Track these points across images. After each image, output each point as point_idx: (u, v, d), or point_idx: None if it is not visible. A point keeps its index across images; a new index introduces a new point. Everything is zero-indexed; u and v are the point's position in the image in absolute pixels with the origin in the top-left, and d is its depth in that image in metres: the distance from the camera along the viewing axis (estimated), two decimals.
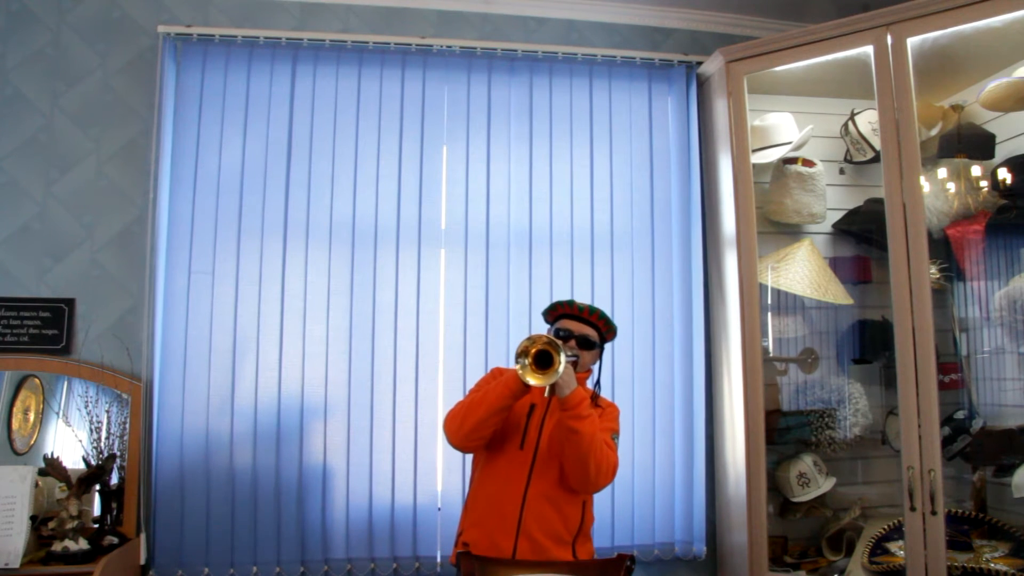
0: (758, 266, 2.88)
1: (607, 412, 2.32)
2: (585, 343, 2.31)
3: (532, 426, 2.26)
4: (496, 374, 2.36)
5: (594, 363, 2.40)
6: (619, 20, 3.31)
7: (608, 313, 2.43)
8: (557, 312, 2.38)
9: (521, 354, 2.11)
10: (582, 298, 3.03)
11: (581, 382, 2.28)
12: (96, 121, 2.93)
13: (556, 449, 2.21)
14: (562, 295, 3.02)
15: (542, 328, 2.49)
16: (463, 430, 2.19)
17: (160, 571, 2.70)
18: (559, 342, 2.12)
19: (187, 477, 2.74)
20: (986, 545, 2.61)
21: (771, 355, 3.04)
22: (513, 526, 2.18)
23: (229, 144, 2.91)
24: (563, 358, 2.09)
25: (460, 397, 2.76)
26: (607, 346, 2.97)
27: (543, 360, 2.10)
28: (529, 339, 2.13)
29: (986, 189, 2.80)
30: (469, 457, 2.64)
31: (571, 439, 2.13)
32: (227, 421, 2.80)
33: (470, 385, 2.87)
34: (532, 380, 2.09)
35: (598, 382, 2.43)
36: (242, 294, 2.86)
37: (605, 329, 2.38)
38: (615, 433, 2.28)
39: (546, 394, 2.18)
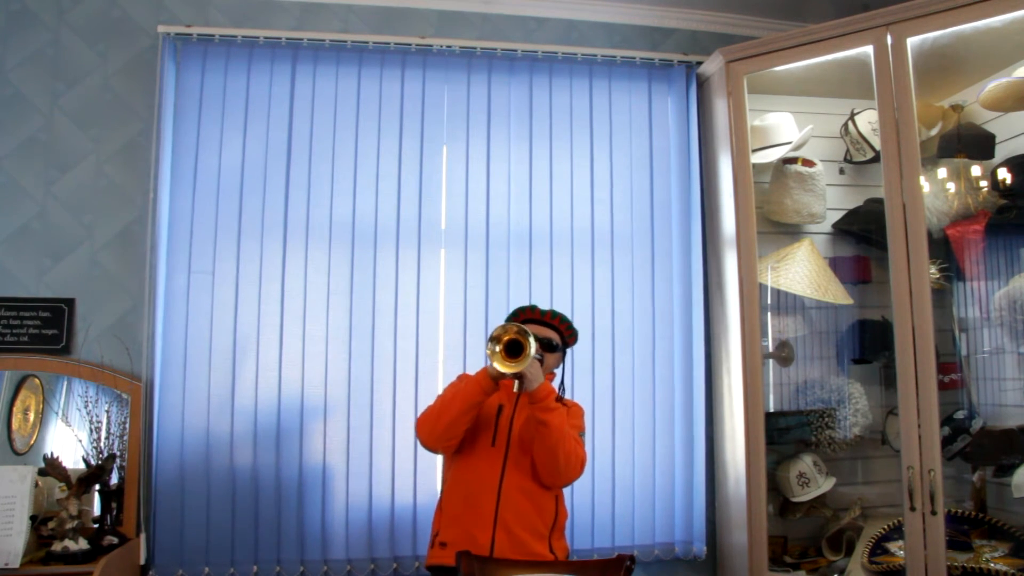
0: (758, 266, 2.88)
1: (573, 411, 2.41)
2: (548, 346, 2.40)
3: (502, 424, 2.33)
4: (463, 379, 2.41)
5: (557, 366, 2.48)
6: (619, 20, 3.31)
7: (569, 317, 2.53)
8: (520, 318, 2.46)
9: (494, 339, 2.21)
10: (583, 297, 3.05)
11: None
12: (96, 121, 2.93)
13: (527, 444, 2.28)
14: (562, 295, 3.02)
15: None
16: (437, 428, 2.26)
17: (160, 571, 2.70)
18: (529, 331, 2.20)
19: (187, 477, 2.74)
20: (986, 545, 2.61)
21: None
22: (490, 520, 2.23)
23: (229, 144, 2.91)
24: (533, 346, 2.18)
25: None
26: (603, 346, 3.03)
27: (513, 349, 2.19)
28: (502, 327, 2.23)
29: (986, 189, 2.80)
30: None
31: (540, 431, 2.21)
32: (227, 421, 2.80)
33: None
34: (500, 367, 2.18)
35: (562, 384, 2.48)
36: (242, 294, 2.86)
37: (567, 333, 2.48)
38: (582, 432, 2.38)
39: (515, 389, 2.26)
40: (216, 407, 2.79)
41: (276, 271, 2.89)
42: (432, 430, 2.27)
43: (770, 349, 3.04)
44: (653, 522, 3.01)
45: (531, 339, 2.18)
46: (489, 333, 2.36)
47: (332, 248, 2.93)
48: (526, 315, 2.46)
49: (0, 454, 2.66)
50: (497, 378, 2.25)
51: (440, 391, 2.91)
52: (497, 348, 2.20)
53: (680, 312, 3.13)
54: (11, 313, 2.77)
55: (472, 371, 2.91)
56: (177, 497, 2.73)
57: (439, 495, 2.41)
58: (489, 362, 2.22)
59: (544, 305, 2.76)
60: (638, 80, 3.22)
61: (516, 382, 2.24)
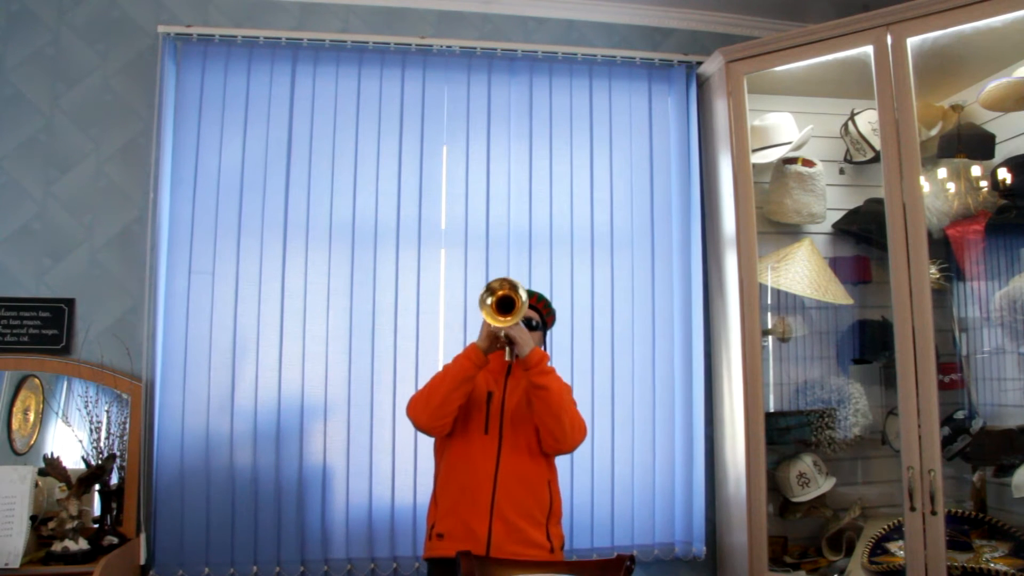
0: (758, 266, 2.88)
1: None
2: (528, 326, 2.40)
3: (493, 411, 2.33)
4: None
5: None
6: (619, 20, 3.31)
7: (548, 297, 2.55)
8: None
9: (489, 290, 2.22)
10: (583, 297, 3.05)
11: None
12: (96, 121, 2.93)
13: (521, 428, 2.29)
14: (562, 295, 3.02)
15: None
16: (431, 406, 2.25)
17: (160, 571, 2.70)
18: (519, 284, 2.22)
19: (187, 477, 2.74)
20: (986, 545, 2.61)
21: None
22: (486, 510, 2.23)
23: (229, 144, 2.91)
24: (524, 298, 2.19)
25: None
26: (603, 346, 3.03)
27: (504, 307, 2.21)
28: (499, 280, 2.24)
29: (986, 189, 2.80)
30: None
31: (541, 396, 2.22)
32: (227, 421, 2.80)
33: None
34: (490, 319, 2.20)
35: None
36: (242, 294, 2.86)
37: (546, 312, 2.50)
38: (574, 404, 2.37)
39: (507, 358, 2.27)
40: (216, 407, 2.79)
41: (276, 271, 2.89)
42: (425, 408, 2.25)
43: (770, 352, 3.05)
44: (653, 522, 3.01)
45: (522, 293, 2.20)
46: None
47: (332, 248, 2.93)
48: None
49: (0, 454, 2.66)
50: (487, 350, 2.26)
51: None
52: (489, 300, 2.21)
53: (680, 312, 3.13)
54: (11, 313, 2.77)
55: None
56: (177, 497, 2.73)
57: (432, 486, 2.40)
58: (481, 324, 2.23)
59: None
60: (638, 80, 3.22)
61: (508, 350, 2.26)
